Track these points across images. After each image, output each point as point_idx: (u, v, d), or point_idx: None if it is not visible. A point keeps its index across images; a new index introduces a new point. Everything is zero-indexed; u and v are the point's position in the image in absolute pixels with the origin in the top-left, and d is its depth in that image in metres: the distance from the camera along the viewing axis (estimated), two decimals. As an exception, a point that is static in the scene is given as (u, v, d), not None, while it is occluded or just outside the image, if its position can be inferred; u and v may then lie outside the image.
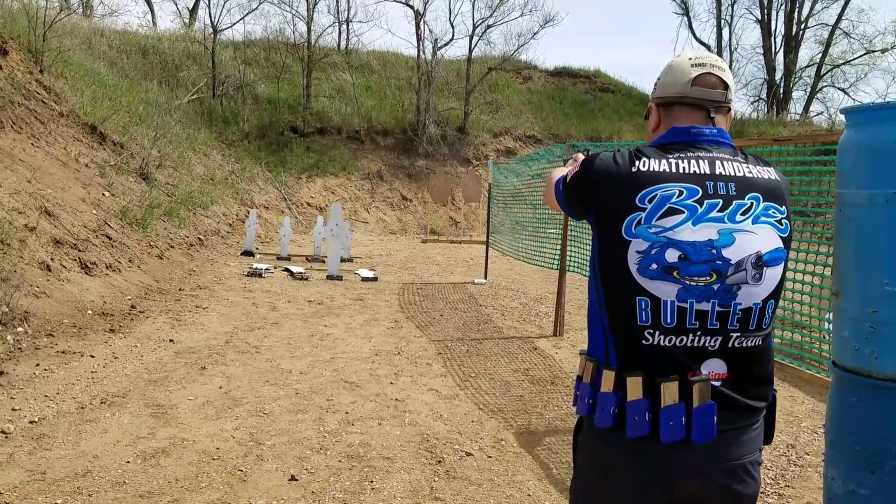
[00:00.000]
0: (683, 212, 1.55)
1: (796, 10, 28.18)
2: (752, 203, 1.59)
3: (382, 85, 22.45)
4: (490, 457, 3.92)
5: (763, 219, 1.59)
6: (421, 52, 21.63)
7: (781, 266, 1.63)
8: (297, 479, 3.48)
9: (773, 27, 28.76)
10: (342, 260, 11.84)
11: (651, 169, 1.59)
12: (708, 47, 30.40)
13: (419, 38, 21.63)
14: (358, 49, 24.76)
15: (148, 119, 14.35)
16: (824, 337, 5.32)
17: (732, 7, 30.53)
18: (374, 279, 10.03)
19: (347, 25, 25.49)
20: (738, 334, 1.57)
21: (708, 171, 1.60)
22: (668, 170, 1.59)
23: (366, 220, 18.12)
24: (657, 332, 1.55)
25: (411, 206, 19.30)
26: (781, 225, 1.63)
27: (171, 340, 5.98)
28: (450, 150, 20.62)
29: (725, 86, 1.70)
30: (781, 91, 28.20)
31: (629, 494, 1.59)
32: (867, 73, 46.22)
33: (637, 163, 1.60)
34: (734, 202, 1.58)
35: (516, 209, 11.28)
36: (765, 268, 1.57)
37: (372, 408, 4.62)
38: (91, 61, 15.79)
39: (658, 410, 1.52)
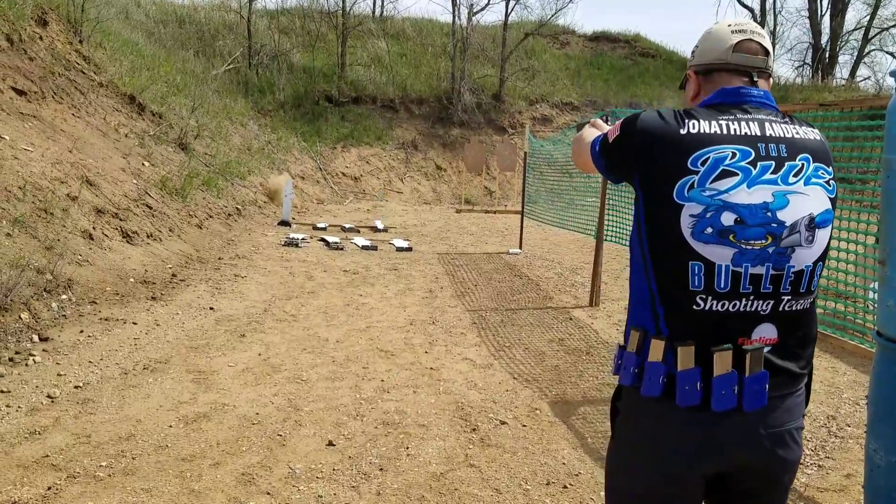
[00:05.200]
0: (738, 174, 1.52)
1: (845, -30, 27.07)
2: (802, 164, 1.57)
3: (417, 53, 22.28)
4: (524, 426, 3.93)
5: (814, 180, 1.57)
6: (456, 18, 21.40)
7: (830, 227, 1.61)
8: (334, 445, 3.53)
9: (820, -12, 27.73)
10: (377, 230, 11.90)
11: (702, 131, 1.55)
12: (752, 11, 29.47)
13: (455, 4, 21.38)
14: (393, 16, 24.56)
15: (185, 89, 14.47)
16: (868, 307, 5.20)
17: (778, -32, 29.44)
18: (409, 249, 10.05)
19: (383, -8, 25.31)
20: (790, 297, 1.55)
21: (759, 133, 1.57)
22: (719, 131, 1.56)
23: (400, 191, 18.13)
24: (710, 298, 1.51)
25: (446, 175, 19.24)
26: (829, 186, 1.61)
27: (211, 308, 6.09)
28: (485, 118, 20.45)
29: (766, 52, 1.68)
30: (827, 55, 27.27)
31: (679, 463, 1.56)
32: (918, 36, 44.50)
33: (687, 124, 1.56)
34: (786, 164, 1.55)
35: (552, 178, 11.16)
36: (817, 230, 1.55)
37: (407, 376, 4.66)
38: (129, 31, 15.95)
39: (710, 379, 1.50)
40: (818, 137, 1.65)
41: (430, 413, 4.03)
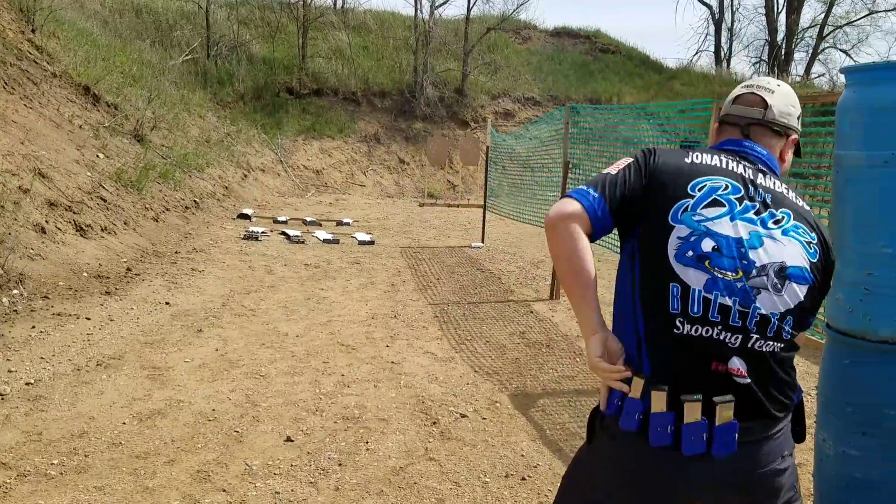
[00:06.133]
0: (725, 205, 1.60)
1: (800, -31, 27.65)
2: (783, 216, 1.64)
3: (380, 45, 22.12)
4: (485, 418, 3.95)
5: (792, 233, 1.62)
6: (418, 12, 21.29)
7: (806, 288, 1.61)
8: (292, 440, 3.50)
9: (776, -13, 28.29)
10: (340, 223, 11.82)
11: (704, 161, 1.66)
12: (710, 7, 29.95)
13: (417, -3, 21.27)
14: (354, 8, 24.34)
15: (142, 80, 14.16)
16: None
17: (736, -34, 29.93)
18: (371, 242, 10.01)
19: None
20: (758, 337, 1.56)
21: (751, 177, 1.66)
22: (718, 164, 1.66)
23: (363, 184, 18.02)
24: (685, 322, 1.55)
25: (409, 169, 19.17)
26: (810, 248, 1.64)
27: (167, 303, 5.98)
28: (447, 112, 20.41)
29: (765, 104, 1.75)
30: (783, 52, 27.86)
31: (648, 496, 1.61)
32: (869, 35, 45.81)
33: (691, 154, 1.68)
34: (768, 210, 1.63)
35: (514, 172, 11.21)
36: (788, 280, 1.58)
37: (368, 370, 4.64)
38: (83, 20, 15.53)
39: (680, 425, 1.52)
40: (806, 207, 1.70)
41: (390, 407, 4.03)
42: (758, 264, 1.56)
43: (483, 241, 10.66)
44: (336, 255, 8.94)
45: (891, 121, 2.37)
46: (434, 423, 3.84)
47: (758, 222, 1.60)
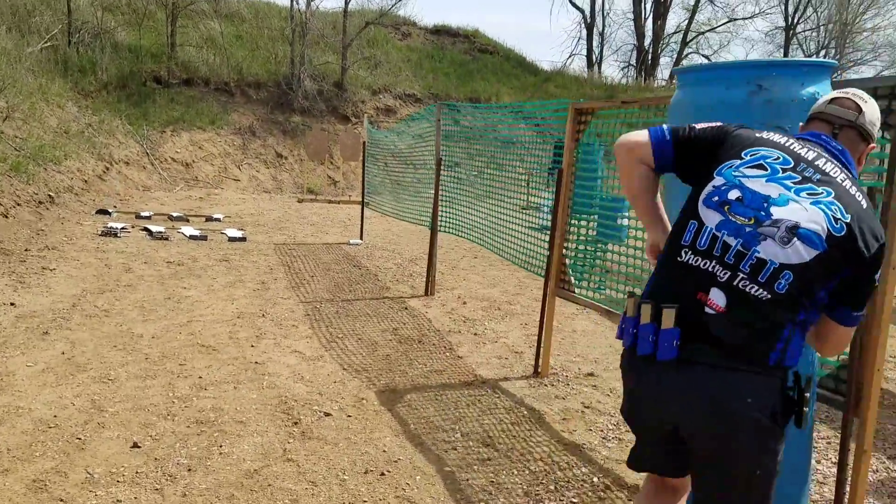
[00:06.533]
0: (767, 170, 1.79)
1: (666, -24, 29.16)
2: (823, 192, 1.76)
3: (254, 35, 21.44)
4: (349, 416, 3.89)
5: (822, 206, 1.74)
6: (295, 2, 20.80)
7: (815, 252, 1.71)
8: (139, 446, 3.31)
9: (643, -7, 29.71)
10: (210, 219, 11.35)
11: (770, 138, 1.86)
12: (582, 12, 31.07)
13: (292, -12, 20.78)
14: (228, -4, 23.45)
15: (-8, 66, 13.03)
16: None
17: (607, -29, 31.17)
18: (243, 239, 9.67)
19: (217, -29, 24.03)
20: (745, 277, 1.73)
21: (809, 159, 1.81)
22: (781, 142, 1.85)
23: (237, 178, 17.42)
24: (689, 252, 1.82)
25: (287, 163, 18.71)
26: (836, 224, 1.72)
27: (11, 304, 5.53)
28: (327, 106, 20.08)
29: (858, 109, 1.91)
30: (650, 57, 29.34)
31: (641, 403, 1.94)
32: (730, 41, 49.05)
33: (766, 132, 1.89)
34: (808, 184, 1.77)
35: (397, 169, 11.15)
36: (796, 239, 1.71)
37: (229, 371, 4.46)
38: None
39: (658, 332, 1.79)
40: (864, 205, 1.78)
41: (249, 409, 3.88)
42: (773, 217, 1.73)
43: (362, 238, 10.56)
44: (203, 252, 8.57)
45: (715, 118, 2.52)
46: (296, 423, 3.73)
47: (792, 189, 1.76)
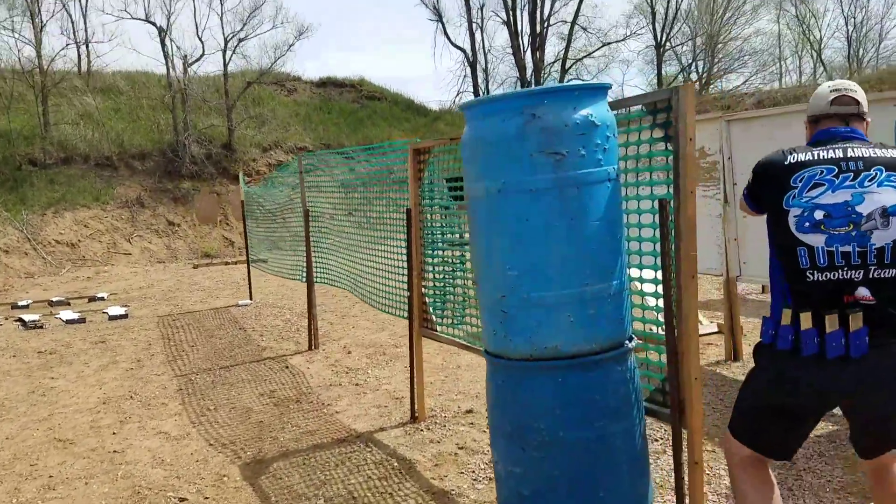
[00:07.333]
0: (824, 185, 2.14)
1: (538, 9, 30.19)
2: (876, 173, 2.12)
3: (134, 106, 20.95)
4: (206, 498, 3.70)
5: (886, 183, 2.11)
6: (171, 70, 20.49)
7: None
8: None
9: (519, 27, 30.65)
10: (93, 299, 10.87)
11: (799, 160, 2.21)
12: (463, 51, 31.82)
13: (167, 56, 20.49)
14: (101, 70, 22.90)
15: None
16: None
17: (482, 10, 32.07)
18: (125, 316, 9.28)
19: (87, 46, 23.48)
20: (876, 267, 2.09)
21: (840, 156, 2.17)
22: (811, 158, 2.20)
23: (128, 252, 16.83)
24: (815, 272, 2.13)
25: (180, 230, 18.22)
26: None
27: None
28: (217, 168, 19.74)
29: (857, 102, 2.30)
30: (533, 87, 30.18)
31: (801, 396, 2.19)
32: (608, 65, 51.11)
33: (789, 156, 2.23)
34: (863, 174, 2.13)
35: (273, 225, 10.96)
36: (890, 217, 2.09)
37: (82, 466, 4.20)
38: None
39: (824, 335, 2.07)
40: (889, 153, 2.17)
41: (97, 504, 3.65)
42: (864, 213, 2.08)
43: (251, 299, 10.31)
44: (80, 336, 8.16)
45: (497, 152, 2.54)
46: (147, 512, 3.53)
47: (856, 185, 2.11)
